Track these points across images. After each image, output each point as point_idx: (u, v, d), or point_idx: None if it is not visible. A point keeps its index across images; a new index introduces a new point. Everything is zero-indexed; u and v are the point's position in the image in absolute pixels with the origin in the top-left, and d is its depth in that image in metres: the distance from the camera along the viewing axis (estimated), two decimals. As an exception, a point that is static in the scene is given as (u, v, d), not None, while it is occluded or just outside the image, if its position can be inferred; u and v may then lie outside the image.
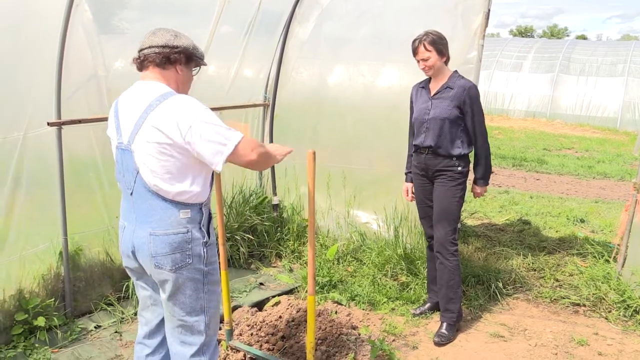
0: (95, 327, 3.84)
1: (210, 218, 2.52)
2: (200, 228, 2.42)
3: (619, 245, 4.61)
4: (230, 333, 3.58)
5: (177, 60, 2.41)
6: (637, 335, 3.97)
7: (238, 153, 2.26)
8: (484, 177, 3.92)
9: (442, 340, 3.82)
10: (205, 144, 2.22)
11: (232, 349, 3.56)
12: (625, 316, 4.18)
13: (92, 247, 4.05)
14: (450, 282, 3.89)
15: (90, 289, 4.05)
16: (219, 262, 3.09)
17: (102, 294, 4.09)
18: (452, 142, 3.79)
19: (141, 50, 2.40)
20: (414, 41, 3.78)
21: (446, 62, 3.84)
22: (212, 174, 2.52)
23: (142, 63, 2.41)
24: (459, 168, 3.81)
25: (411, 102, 4.07)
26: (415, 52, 3.79)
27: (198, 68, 2.59)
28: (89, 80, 4.00)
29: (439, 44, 3.73)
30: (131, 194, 2.39)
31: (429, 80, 3.93)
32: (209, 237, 2.47)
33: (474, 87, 3.78)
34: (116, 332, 3.80)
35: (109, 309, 4.01)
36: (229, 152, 2.23)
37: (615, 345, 3.85)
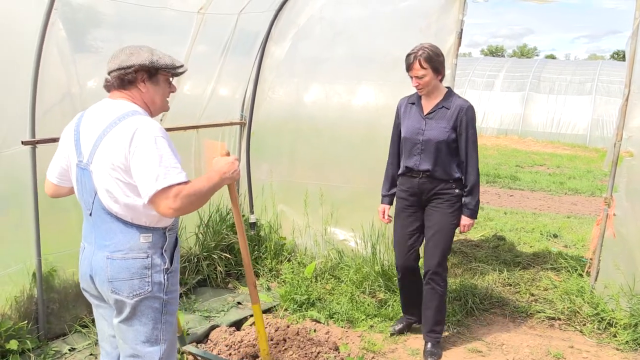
0: (69, 350, 3.75)
1: (176, 244, 2.41)
2: (162, 254, 2.30)
3: (591, 259, 4.69)
4: (183, 339, 3.49)
5: (135, 80, 2.29)
6: (611, 348, 4.03)
7: (163, 196, 2.08)
8: (473, 208, 3.68)
9: (436, 359, 3.82)
10: (139, 169, 2.10)
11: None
12: (599, 329, 4.25)
13: (66, 267, 3.97)
14: (440, 306, 3.83)
15: (64, 310, 3.97)
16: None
17: (77, 316, 4.01)
18: (449, 166, 3.61)
19: (108, 74, 2.33)
20: (408, 55, 3.53)
21: (442, 80, 3.64)
22: None
23: (107, 88, 2.35)
24: (457, 191, 3.66)
25: (397, 118, 3.86)
26: (409, 68, 3.54)
27: (172, 78, 2.43)
28: (63, 99, 3.96)
29: (436, 62, 3.49)
30: (90, 214, 2.31)
31: (419, 95, 3.72)
32: (172, 264, 2.35)
33: (471, 107, 3.59)
34: (91, 354, 3.72)
35: (83, 330, 3.93)
36: (158, 189, 2.07)
37: (590, 357, 3.91)
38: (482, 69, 23.39)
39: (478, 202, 3.70)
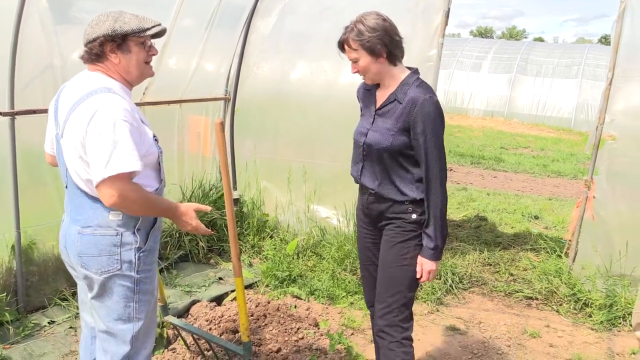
0: (49, 323, 3.75)
1: (154, 223, 2.31)
2: (134, 232, 2.22)
3: (570, 240, 4.76)
4: (165, 309, 3.47)
5: (103, 52, 2.15)
6: (586, 327, 4.11)
7: (107, 184, 2.01)
8: (436, 245, 2.51)
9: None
10: (92, 152, 2.03)
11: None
12: (575, 309, 4.32)
13: (46, 240, 3.94)
14: None
15: (44, 283, 3.95)
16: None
17: (57, 289, 3.99)
18: (402, 181, 2.56)
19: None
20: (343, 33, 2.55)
21: (393, 61, 2.54)
22: (160, 171, 2.33)
23: (83, 61, 2.24)
24: (414, 216, 2.56)
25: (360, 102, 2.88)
26: (341, 49, 2.58)
27: (149, 42, 2.25)
28: (44, 71, 3.90)
29: (368, 40, 2.43)
30: (66, 186, 2.27)
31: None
32: (146, 244, 2.27)
33: (429, 101, 2.43)
34: (71, 327, 3.72)
35: (63, 304, 3.92)
36: (105, 176, 1.99)
37: (565, 337, 3.98)
38: (471, 50, 23.35)
39: (445, 237, 2.55)
